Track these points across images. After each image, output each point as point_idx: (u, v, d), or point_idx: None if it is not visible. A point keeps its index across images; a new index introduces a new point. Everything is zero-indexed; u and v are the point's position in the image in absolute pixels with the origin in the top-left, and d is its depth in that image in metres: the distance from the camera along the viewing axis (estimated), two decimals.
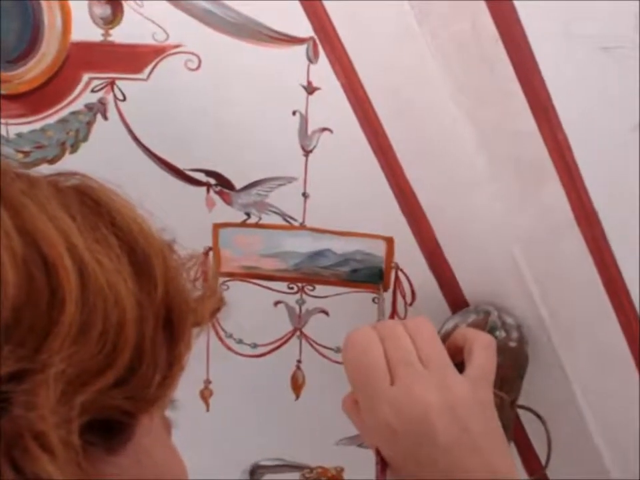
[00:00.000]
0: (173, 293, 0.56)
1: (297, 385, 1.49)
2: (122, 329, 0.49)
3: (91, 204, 0.62)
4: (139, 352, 0.51)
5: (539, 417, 1.30)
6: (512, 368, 1.25)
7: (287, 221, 1.34)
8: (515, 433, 1.48)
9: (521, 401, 1.30)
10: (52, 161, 1.27)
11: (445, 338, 1.10)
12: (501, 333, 1.26)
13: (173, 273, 0.58)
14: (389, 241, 1.35)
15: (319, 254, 1.36)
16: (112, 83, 1.22)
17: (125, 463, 0.53)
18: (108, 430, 0.52)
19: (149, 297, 0.53)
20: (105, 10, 1.17)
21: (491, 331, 1.24)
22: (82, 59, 1.20)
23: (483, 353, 1.02)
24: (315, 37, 1.19)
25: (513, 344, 1.26)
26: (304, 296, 1.41)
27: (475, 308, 1.32)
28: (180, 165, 1.29)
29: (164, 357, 0.55)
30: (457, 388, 0.88)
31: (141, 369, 0.52)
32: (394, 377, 0.89)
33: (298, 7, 1.16)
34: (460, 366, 1.02)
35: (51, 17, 1.16)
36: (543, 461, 1.32)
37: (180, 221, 1.36)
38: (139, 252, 0.56)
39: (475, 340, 1.05)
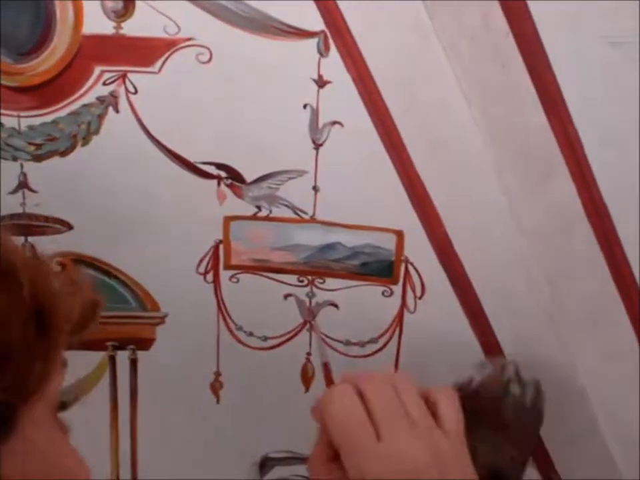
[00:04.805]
0: (41, 292, 0.60)
1: (307, 378, 1.50)
2: None
3: None
4: (7, 344, 0.56)
5: None
6: (524, 427, 1.21)
7: (298, 214, 1.34)
8: None
9: None
10: (63, 154, 1.28)
11: (457, 390, 1.08)
12: (517, 389, 1.21)
13: (39, 276, 0.62)
14: (399, 234, 1.35)
15: (329, 247, 1.37)
16: (124, 76, 1.22)
17: (10, 453, 0.57)
18: None
19: (14, 297, 0.58)
20: (116, 3, 1.17)
21: (507, 385, 1.21)
22: (94, 51, 1.20)
23: (451, 406, 1.03)
24: (326, 30, 1.19)
25: (528, 403, 1.21)
26: (314, 289, 1.41)
27: (492, 361, 1.27)
28: (191, 158, 1.29)
29: (40, 350, 0.60)
30: (442, 443, 0.93)
31: (13, 359, 0.56)
32: (380, 433, 0.91)
33: (309, 1, 1.17)
34: None
35: (62, 9, 1.17)
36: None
37: (191, 213, 1.38)
38: (2, 262, 0.59)
39: (439, 393, 1.05)
